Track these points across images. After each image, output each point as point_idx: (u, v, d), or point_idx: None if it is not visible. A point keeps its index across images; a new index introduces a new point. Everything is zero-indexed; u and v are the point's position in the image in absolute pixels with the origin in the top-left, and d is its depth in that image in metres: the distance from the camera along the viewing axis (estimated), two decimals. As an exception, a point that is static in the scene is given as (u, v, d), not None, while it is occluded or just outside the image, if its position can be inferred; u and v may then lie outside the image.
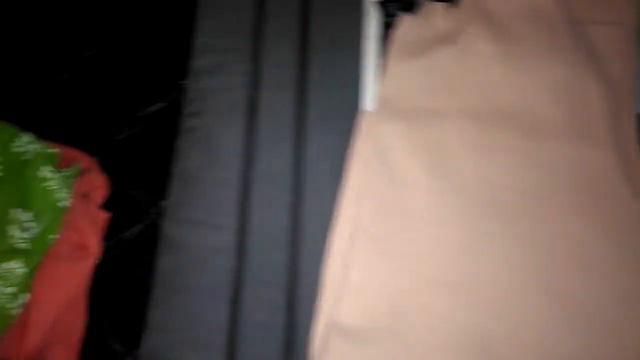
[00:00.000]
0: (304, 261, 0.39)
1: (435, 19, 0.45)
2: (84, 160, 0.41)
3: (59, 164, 0.40)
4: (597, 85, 0.41)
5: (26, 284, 0.36)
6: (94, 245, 0.39)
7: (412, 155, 0.42)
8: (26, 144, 0.39)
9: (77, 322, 0.38)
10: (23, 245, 0.37)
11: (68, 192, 0.38)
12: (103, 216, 0.41)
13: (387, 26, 0.46)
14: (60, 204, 0.38)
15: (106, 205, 0.41)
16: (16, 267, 0.36)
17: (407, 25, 0.45)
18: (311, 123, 0.43)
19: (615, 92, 0.42)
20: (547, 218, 0.40)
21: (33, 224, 0.38)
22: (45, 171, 0.38)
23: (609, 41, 0.44)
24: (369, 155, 0.42)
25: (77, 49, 0.47)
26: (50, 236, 0.38)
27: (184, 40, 0.45)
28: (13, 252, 0.36)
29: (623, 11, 0.45)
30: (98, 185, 0.41)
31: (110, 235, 0.41)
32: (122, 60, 0.46)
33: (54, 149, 0.40)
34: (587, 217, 0.39)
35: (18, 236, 0.37)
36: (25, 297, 0.36)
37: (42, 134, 0.41)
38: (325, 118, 0.43)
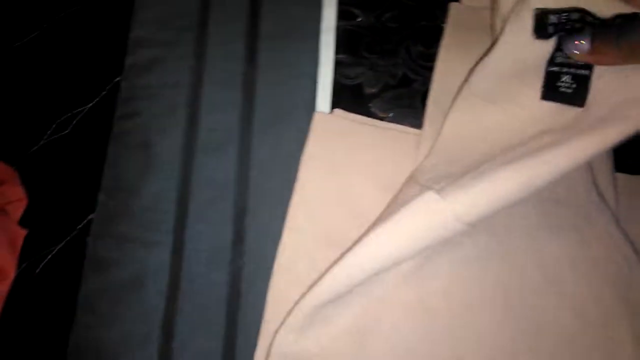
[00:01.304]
0: (247, 280, 0.35)
1: None
2: (-1, 170, 0.37)
3: (-32, 175, 0.35)
4: None
5: None
6: (10, 266, 0.35)
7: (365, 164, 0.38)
8: None
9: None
10: None
11: (-23, 207, 0.34)
12: (21, 233, 0.36)
13: (347, 18, 0.42)
14: (-34, 221, 0.34)
15: (25, 221, 0.37)
16: None
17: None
18: (260, 124, 0.38)
19: None
20: (513, 232, 0.36)
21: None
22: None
23: None
24: (323, 160, 0.38)
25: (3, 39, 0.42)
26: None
27: (120, 33, 0.41)
28: None
29: None
30: (16, 198, 0.36)
31: (29, 254, 0.36)
32: (47, 55, 0.41)
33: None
34: (551, 229, 0.36)
35: None
36: None
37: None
38: (276, 118, 0.38)
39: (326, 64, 0.40)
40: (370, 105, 0.41)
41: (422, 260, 0.35)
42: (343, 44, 0.41)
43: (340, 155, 0.39)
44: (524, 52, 0.33)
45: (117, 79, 0.39)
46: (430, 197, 0.30)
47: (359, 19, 0.42)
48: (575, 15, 0.31)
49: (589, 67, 0.32)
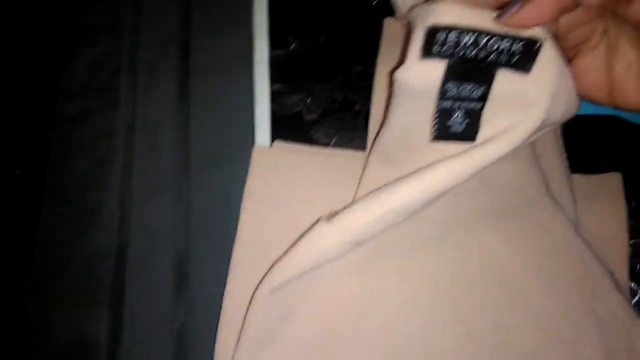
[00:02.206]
0: (193, 333, 0.33)
1: None
2: None
3: None
4: None
5: None
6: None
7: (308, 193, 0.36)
8: None
9: None
10: None
11: None
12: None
13: (281, 46, 0.41)
14: None
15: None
16: None
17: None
18: (197, 165, 0.37)
19: None
20: (464, 245, 0.34)
21: None
22: None
23: None
24: (265, 195, 0.37)
25: None
26: None
27: (52, 83, 0.40)
28: None
29: None
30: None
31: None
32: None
33: None
34: (510, 241, 0.34)
35: None
36: None
37: None
38: (213, 157, 0.37)
39: (262, 96, 0.39)
40: (311, 132, 0.40)
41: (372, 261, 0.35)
42: (278, 73, 0.40)
43: (284, 189, 0.37)
44: (414, 81, 0.29)
45: (49, 134, 0.38)
46: (321, 223, 0.32)
47: (293, 46, 0.41)
48: (468, 37, 0.28)
49: (482, 98, 0.29)
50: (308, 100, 0.40)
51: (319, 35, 0.42)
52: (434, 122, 0.30)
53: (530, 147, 0.36)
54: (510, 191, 0.35)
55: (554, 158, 0.37)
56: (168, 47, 0.40)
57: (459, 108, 0.29)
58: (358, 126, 0.40)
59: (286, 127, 0.39)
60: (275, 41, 0.41)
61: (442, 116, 0.29)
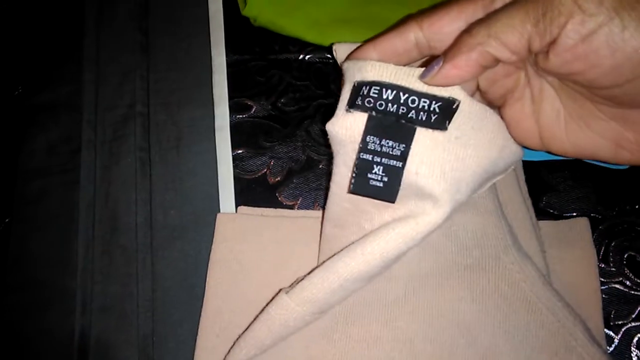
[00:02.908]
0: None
1: None
2: None
3: None
4: None
5: None
6: None
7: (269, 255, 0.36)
8: None
9: None
10: None
11: None
12: None
13: (240, 110, 0.42)
14: None
15: None
16: None
17: None
18: (161, 240, 0.37)
19: None
20: (432, 304, 0.34)
21: None
22: None
23: None
24: (231, 264, 0.36)
25: None
26: None
27: (10, 164, 0.39)
28: None
29: None
30: None
31: None
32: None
33: None
34: (477, 298, 0.34)
35: None
36: None
37: None
38: (177, 230, 0.37)
39: (224, 162, 0.39)
40: (277, 195, 0.39)
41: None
42: (240, 138, 0.40)
43: (250, 255, 0.37)
44: (339, 132, 0.30)
45: (7, 219, 0.38)
46: (281, 295, 0.32)
47: (254, 109, 0.42)
48: (389, 93, 0.28)
49: (403, 158, 0.29)
50: (272, 163, 0.40)
51: (279, 97, 0.42)
52: (353, 173, 0.29)
53: (494, 196, 0.36)
54: (475, 245, 0.34)
55: (519, 206, 0.37)
56: (128, 122, 0.40)
57: (379, 163, 0.29)
58: (323, 185, 0.40)
59: (251, 192, 0.39)
60: (235, 106, 0.41)
61: (362, 169, 0.29)
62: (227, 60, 0.42)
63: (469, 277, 0.34)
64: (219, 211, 0.38)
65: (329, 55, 0.43)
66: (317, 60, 0.43)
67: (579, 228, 0.38)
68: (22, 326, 0.34)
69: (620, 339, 0.35)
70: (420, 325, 0.34)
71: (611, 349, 0.35)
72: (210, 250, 0.36)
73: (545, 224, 0.38)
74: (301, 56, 0.43)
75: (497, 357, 0.33)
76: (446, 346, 0.33)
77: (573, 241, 0.37)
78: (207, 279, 0.35)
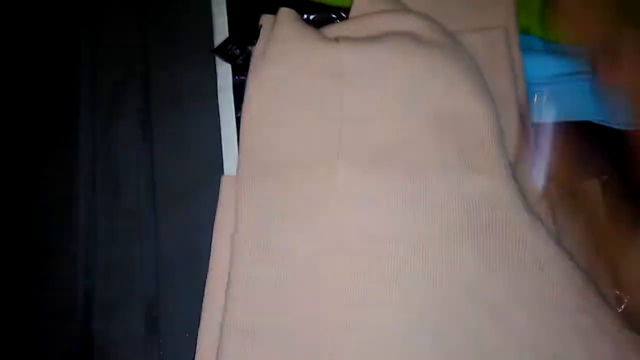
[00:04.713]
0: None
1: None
2: None
3: None
4: (480, 105, 0.35)
5: None
6: None
7: (283, 218, 0.35)
8: None
9: None
10: None
11: None
12: None
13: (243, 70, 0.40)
14: None
15: None
16: None
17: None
18: (164, 202, 0.36)
19: (501, 106, 0.37)
20: (439, 266, 0.34)
21: None
22: None
23: (484, 48, 0.38)
24: (234, 226, 0.36)
25: None
26: None
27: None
28: None
29: (496, 14, 0.39)
30: None
31: None
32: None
33: None
34: (488, 259, 0.34)
35: None
36: None
37: None
38: (181, 192, 0.36)
39: (228, 125, 0.38)
40: (281, 157, 0.39)
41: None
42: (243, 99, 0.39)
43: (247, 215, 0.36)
44: None
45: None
46: None
47: (257, 70, 0.41)
48: None
49: None
50: (275, 125, 0.39)
51: (283, 57, 0.41)
52: None
53: (505, 158, 0.35)
54: (487, 207, 0.34)
55: (529, 168, 0.37)
56: (127, 83, 0.39)
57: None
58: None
59: (254, 154, 0.38)
60: (237, 66, 0.40)
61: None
62: (228, 19, 0.41)
63: (479, 238, 0.34)
64: (223, 174, 0.37)
65: (333, 16, 0.42)
66: (320, 20, 0.42)
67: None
68: (26, 290, 0.34)
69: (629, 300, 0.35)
70: (430, 286, 0.33)
71: (621, 307, 0.35)
72: (215, 213, 0.36)
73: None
74: (305, 16, 0.42)
75: (507, 318, 0.33)
76: (455, 307, 0.33)
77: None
78: (212, 243, 0.35)
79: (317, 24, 0.42)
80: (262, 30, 0.38)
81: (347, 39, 0.37)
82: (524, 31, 0.41)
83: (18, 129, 0.38)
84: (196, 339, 0.32)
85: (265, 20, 0.39)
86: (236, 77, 0.40)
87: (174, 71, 0.39)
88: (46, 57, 0.40)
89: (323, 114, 0.36)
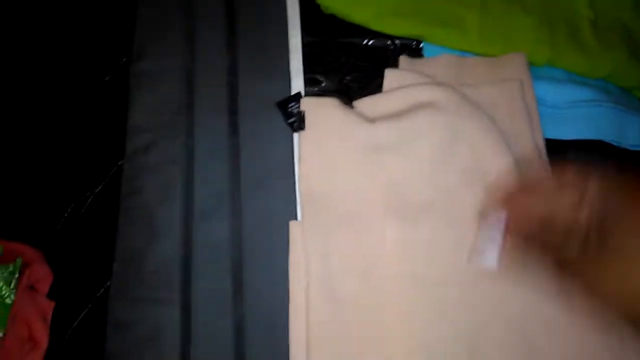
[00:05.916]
0: (249, 326, 0.40)
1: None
2: (27, 253, 0.42)
3: (0, 260, 0.41)
4: (499, 158, 0.42)
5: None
6: (43, 336, 0.40)
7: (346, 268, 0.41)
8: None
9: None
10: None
11: (11, 288, 0.39)
12: (50, 305, 0.41)
13: (313, 84, 0.49)
14: (3, 301, 0.39)
15: (52, 294, 0.42)
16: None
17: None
18: (247, 189, 0.44)
19: (519, 145, 0.43)
20: (483, 304, 0.39)
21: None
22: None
23: (502, 98, 0.45)
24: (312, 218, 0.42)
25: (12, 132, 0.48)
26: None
27: (120, 120, 0.47)
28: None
29: (512, 69, 0.47)
30: (43, 275, 0.42)
31: (58, 322, 0.41)
32: (57, 145, 0.48)
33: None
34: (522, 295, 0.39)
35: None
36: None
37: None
38: (261, 181, 0.44)
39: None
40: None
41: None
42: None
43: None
44: None
45: (120, 162, 0.46)
46: None
47: (324, 84, 0.49)
48: None
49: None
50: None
51: (345, 75, 0.49)
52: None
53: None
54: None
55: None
56: (219, 91, 0.48)
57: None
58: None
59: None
60: (308, 80, 0.49)
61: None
62: (302, 41, 0.50)
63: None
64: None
65: (388, 42, 0.50)
66: (378, 45, 0.50)
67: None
68: (135, 253, 0.42)
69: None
70: (472, 322, 0.39)
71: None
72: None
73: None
74: (364, 41, 0.50)
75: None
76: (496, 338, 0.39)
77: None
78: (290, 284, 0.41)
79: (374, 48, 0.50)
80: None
81: (381, 118, 0.45)
82: (550, 63, 0.49)
83: (128, 121, 0.47)
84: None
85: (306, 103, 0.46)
86: (307, 89, 0.48)
87: (258, 82, 0.48)
88: (147, 67, 0.49)
89: (370, 180, 0.43)
